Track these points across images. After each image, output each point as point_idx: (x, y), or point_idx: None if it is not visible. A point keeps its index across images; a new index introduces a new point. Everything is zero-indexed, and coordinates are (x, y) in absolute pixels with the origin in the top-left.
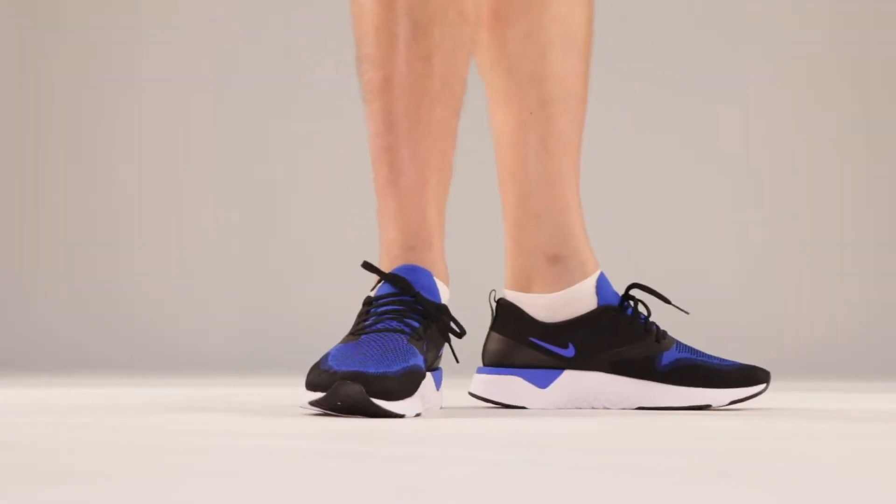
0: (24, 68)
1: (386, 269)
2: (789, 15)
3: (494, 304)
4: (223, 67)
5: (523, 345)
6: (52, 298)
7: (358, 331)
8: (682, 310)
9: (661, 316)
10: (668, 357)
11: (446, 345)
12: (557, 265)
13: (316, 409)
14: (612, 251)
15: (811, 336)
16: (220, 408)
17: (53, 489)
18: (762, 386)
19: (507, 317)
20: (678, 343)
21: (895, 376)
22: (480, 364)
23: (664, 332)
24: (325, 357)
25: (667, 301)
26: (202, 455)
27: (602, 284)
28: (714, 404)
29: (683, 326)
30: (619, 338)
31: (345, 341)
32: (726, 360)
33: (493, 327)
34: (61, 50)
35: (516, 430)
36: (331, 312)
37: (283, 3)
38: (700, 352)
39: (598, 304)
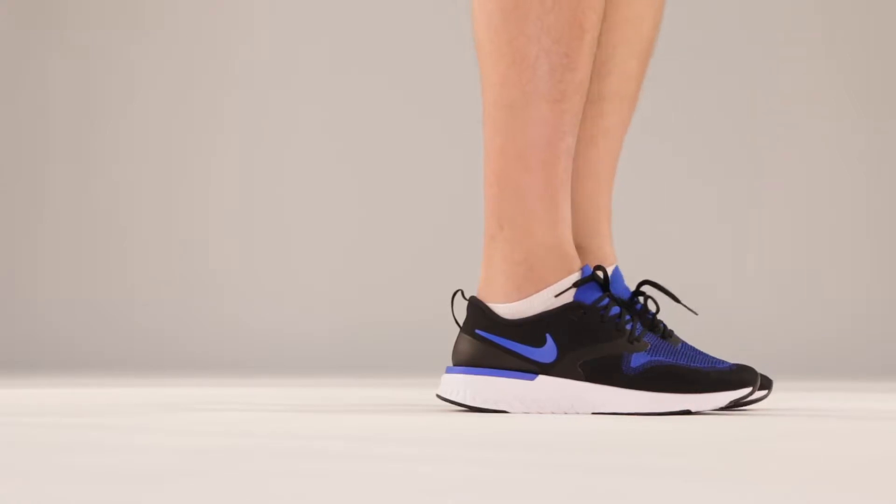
0: (25, 68)
1: (573, 266)
2: (789, 16)
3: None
4: (224, 68)
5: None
6: (52, 298)
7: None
8: (690, 310)
9: (665, 315)
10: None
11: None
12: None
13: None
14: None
15: (811, 336)
16: (219, 408)
17: (53, 489)
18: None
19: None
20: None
21: (895, 376)
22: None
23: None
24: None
25: (676, 300)
26: (201, 455)
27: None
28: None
29: (684, 327)
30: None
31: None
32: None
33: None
34: (61, 50)
35: (516, 431)
36: (332, 313)
37: (283, 2)
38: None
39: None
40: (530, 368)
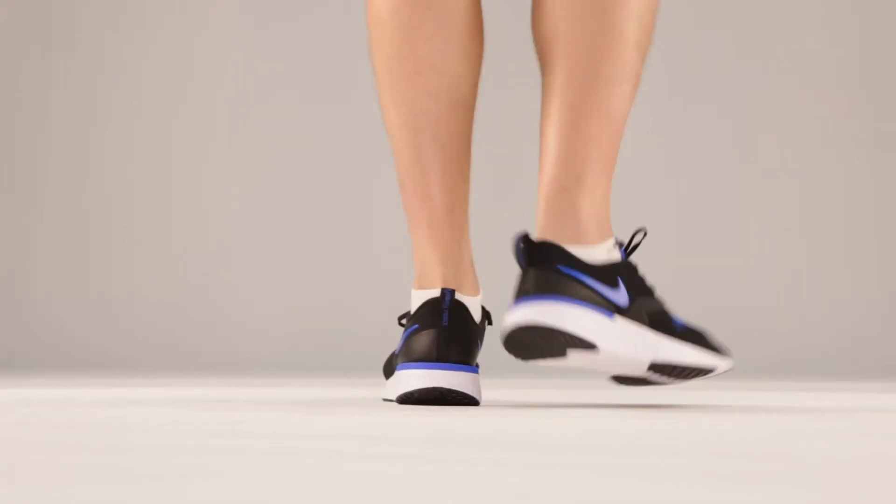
0: (25, 68)
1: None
2: (785, 13)
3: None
4: (224, 67)
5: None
6: (52, 298)
7: None
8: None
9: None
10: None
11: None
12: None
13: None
14: None
15: (811, 336)
16: (220, 407)
17: (53, 489)
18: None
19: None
20: None
21: (894, 376)
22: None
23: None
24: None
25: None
26: (201, 455)
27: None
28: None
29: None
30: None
31: None
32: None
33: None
34: (61, 50)
35: (517, 430)
36: (333, 312)
37: (284, 3)
38: None
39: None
40: (608, 307)
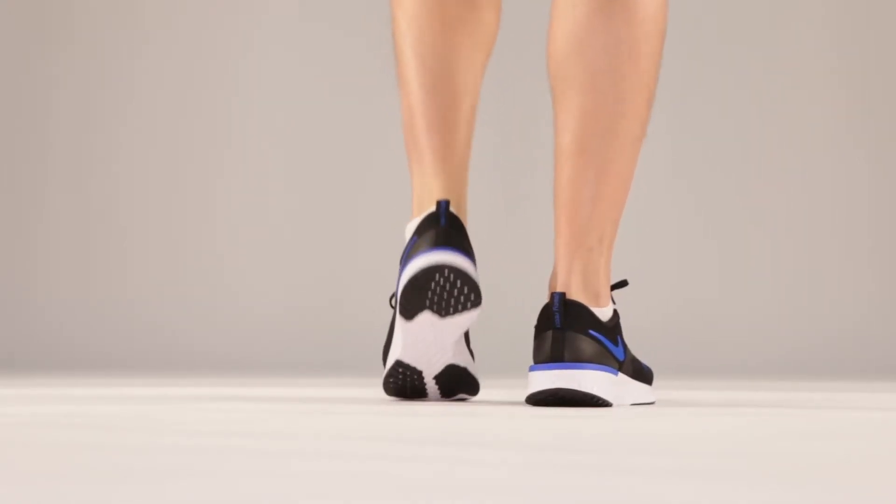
0: (25, 67)
1: None
2: (788, 15)
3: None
4: (224, 66)
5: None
6: (52, 298)
7: None
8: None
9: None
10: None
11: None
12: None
13: None
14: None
15: (812, 336)
16: (220, 407)
17: (52, 489)
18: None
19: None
20: None
21: (894, 376)
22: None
23: None
24: None
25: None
26: (201, 455)
27: None
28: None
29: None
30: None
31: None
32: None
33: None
34: (61, 49)
35: (517, 431)
36: (336, 310)
37: (286, 3)
38: None
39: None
40: (615, 365)
